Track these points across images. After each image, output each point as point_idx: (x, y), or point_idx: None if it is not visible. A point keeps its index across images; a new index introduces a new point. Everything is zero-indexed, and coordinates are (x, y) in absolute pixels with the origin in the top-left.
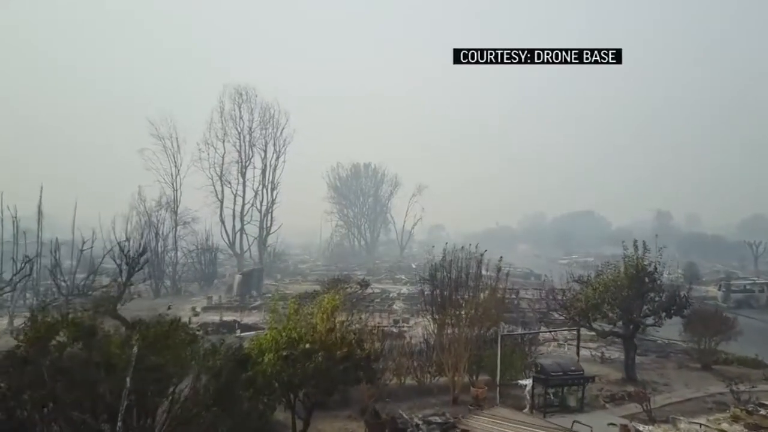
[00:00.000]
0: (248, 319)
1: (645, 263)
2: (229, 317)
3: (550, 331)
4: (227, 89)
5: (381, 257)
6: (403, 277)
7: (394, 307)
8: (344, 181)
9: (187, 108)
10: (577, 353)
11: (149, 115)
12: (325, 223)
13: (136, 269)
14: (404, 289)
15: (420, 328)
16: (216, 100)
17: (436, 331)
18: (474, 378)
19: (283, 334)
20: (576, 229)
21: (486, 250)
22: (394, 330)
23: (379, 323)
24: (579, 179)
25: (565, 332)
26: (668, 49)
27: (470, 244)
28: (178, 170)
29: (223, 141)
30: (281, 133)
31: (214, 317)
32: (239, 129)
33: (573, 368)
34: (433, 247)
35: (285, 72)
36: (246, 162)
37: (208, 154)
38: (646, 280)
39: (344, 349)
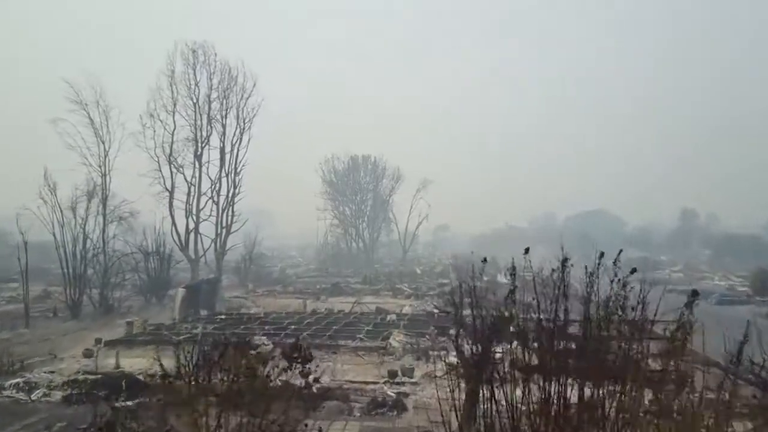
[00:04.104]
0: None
1: None
2: (135, 358)
3: None
4: (179, 46)
5: (381, 260)
6: (405, 287)
7: (392, 341)
8: (341, 175)
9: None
10: None
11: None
12: (321, 222)
13: None
14: (407, 306)
15: (433, 388)
16: (164, 62)
17: None
18: None
19: None
20: (590, 230)
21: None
22: (389, 393)
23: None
24: (589, 177)
25: None
26: (679, 44)
27: None
28: (107, 149)
29: (173, 113)
30: (246, 102)
31: (112, 360)
32: (194, 98)
33: None
34: (472, 253)
35: (287, 71)
36: (202, 141)
37: (154, 130)
38: None
39: None
